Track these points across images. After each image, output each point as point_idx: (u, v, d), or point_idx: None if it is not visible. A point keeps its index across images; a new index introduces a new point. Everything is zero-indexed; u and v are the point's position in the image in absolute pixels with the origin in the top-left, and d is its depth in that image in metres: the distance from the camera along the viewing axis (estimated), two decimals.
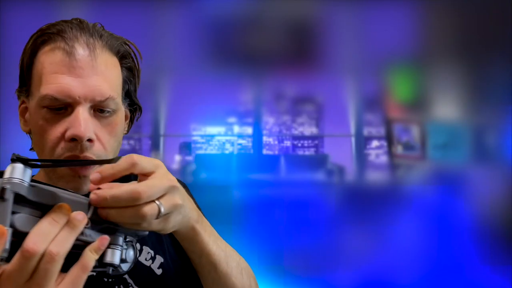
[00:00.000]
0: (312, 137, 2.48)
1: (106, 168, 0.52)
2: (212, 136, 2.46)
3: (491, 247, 2.29)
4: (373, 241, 2.31)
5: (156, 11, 2.31)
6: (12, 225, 0.45)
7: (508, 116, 2.35)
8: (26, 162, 0.47)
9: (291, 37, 2.40)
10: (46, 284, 0.46)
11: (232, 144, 2.45)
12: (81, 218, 0.49)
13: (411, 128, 2.45)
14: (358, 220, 2.32)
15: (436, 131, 2.42)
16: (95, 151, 0.68)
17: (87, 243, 0.50)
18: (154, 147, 2.46)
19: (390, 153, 2.44)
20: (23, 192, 0.46)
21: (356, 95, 2.47)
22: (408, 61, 2.44)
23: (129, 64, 0.75)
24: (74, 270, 0.48)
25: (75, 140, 0.66)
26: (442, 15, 2.42)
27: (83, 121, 0.66)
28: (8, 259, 0.45)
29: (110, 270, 0.52)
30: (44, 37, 0.70)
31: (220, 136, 2.46)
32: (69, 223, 0.48)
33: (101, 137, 0.69)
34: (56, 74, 0.67)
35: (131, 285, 0.74)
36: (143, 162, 0.54)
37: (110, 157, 0.70)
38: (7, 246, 0.44)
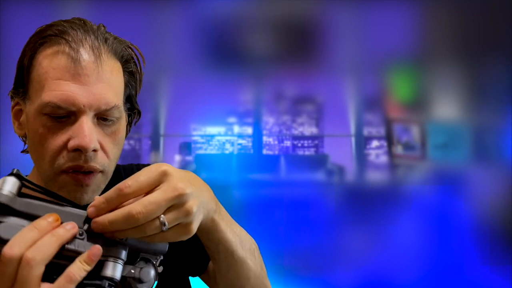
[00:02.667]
0: (312, 137, 2.48)
1: (99, 202, 0.49)
2: (212, 136, 2.46)
3: (491, 247, 2.29)
4: (373, 241, 2.31)
5: (156, 11, 2.31)
6: None
7: (508, 116, 2.35)
8: (20, 178, 0.47)
9: (291, 37, 2.40)
10: (28, 284, 0.45)
11: (232, 144, 2.45)
12: (69, 227, 0.48)
13: (411, 128, 2.45)
14: (358, 220, 2.32)
15: (436, 131, 2.42)
16: (99, 161, 0.66)
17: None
18: (154, 147, 2.46)
19: (390, 153, 2.44)
20: (6, 201, 0.45)
21: (356, 95, 2.47)
22: (408, 61, 2.44)
23: (131, 69, 0.72)
24: (60, 280, 0.46)
25: (78, 150, 0.63)
26: (442, 15, 2.42)
27: (87, 131, 0.63)
28: None
29: (106, 284, 0.48)
30: (45, 38, 0.66)
31: (220, 136, 2.46)
32: (53, 231, 0.46)
33: (105, 146, 0.67)
34: (60, 81, 0.64)
35: None
36: (139, 182, 0.50)
37: (113, 165, 0.69)
38: None
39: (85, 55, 0.65)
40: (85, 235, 0.48)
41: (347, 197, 2.41)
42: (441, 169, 2.41)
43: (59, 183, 0.66)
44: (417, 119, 2.45)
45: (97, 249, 0.48)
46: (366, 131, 2.45)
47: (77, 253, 0.47)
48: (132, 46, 0.73)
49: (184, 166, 2.47)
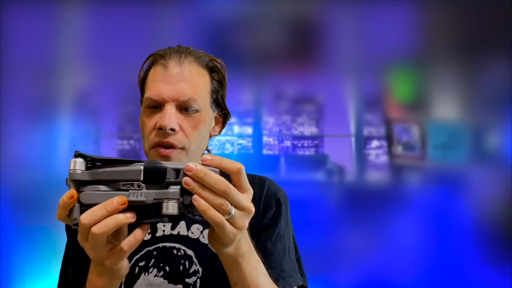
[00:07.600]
0: (312, 137, 2.48)
1: (217, 157, 0.61)
2: None
3: (491, 247, 2.29)
4: (373, 241, 2.31)
5: (156, 11, 2.31)
6: (79, 201, 0.61)
7: (508, 116, 2.35)
8: (83, 157, 0.63)
9: (291, 37, 2.41)
10: (96, 245, 0.61)
11: (232, 144, 2.45)
12: (129, 215, 0.60)
13: (411, 128, 2.45)
14: (358, 220, 2.32)
15: (436, 131, 2.42)
16: (177, 139, 0.86)
17: (144, 203, 0.61)
18: None
19: (390, 153, 2.44)
20: (79, 177, 0.61)
21: (356, 95, 2.47)
22: (408, 61, 2.44)
23: (217, 77, 0.94)
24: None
25: (161, 129, 0.85)
26: (442, 15, 2.42)
27: (168, 115, 0.85)
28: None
29: (167, 220, 0.62)
30: (152, 61, 0.93)
31: (220, 136, 2.46)
32: (115, 215, 0.59)
33: (185, 129, 0.87)
34: (155, 83, 0.89)
35: (195, 264, 0.88)
36: (245, 178, 0.63)
37: (194, 146, 0.88)
38: (77, 216, 0.60)
39: (172, 64, 0.89)
40: (143, 186, 0.61)
41: (347, 197, 2.41)
42: (441, 169, 2.41)
43: (151, 155, 0.88)
44: (417, 119, 2.45)
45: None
46: (366, 131, 2.45)
47: (138, 202, 0.61)
48: (217, 60, 0.95)
49: None
